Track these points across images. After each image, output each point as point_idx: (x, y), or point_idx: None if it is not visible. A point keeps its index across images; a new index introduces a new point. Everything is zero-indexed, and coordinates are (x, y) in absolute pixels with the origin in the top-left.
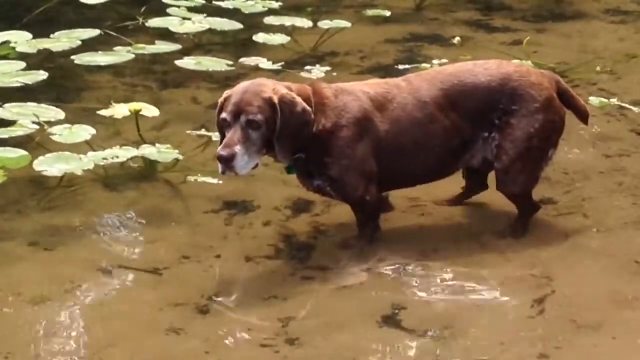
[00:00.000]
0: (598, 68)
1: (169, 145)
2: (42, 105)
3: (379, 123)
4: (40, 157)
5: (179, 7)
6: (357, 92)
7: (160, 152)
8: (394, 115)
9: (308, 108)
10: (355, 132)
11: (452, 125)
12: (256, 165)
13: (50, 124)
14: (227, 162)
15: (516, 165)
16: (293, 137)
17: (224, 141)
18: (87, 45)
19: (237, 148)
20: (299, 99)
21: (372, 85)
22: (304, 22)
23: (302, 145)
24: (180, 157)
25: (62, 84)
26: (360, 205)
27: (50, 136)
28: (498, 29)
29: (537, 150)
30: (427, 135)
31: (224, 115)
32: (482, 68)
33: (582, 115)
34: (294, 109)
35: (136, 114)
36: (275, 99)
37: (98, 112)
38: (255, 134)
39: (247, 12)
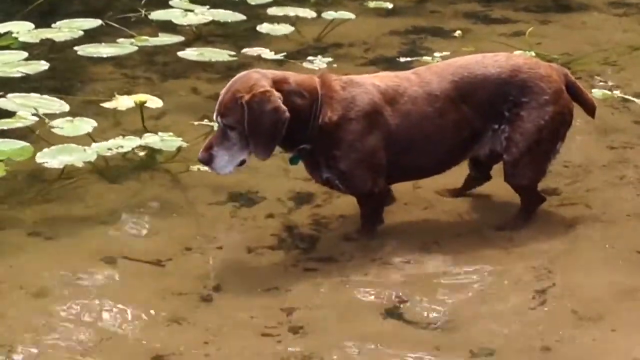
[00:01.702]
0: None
1: (171, 134)
2: (45, 96)
3: (388, 117)
4: (45, 150)
5: None
6: (368, 85)
7: (164, 141)
8: (404, 109)
9: (282, 107)
10: (364, 126)
11: (463, 118)
12: (243, 162)
13: (54, 116)
14: (206, 164)
15: (525, 157)
16: (268, 135)
17: (205, 143)
18: (90, 37)
19: (215, 150)
20: (273, 97)
21: (383, 79)
22: (307, 13)
23: (302, 137)
24: (185, 144)
25: (64, 74)
26: (368, 198)
27: (52, 129)
28: (500, 20)
29: (547, 143)
30: (437, 129)
31: (214, 114)
32: (491, 60)
33: (589, 109)
34: (264, 107)
35: (141, 105)
36: (245, 99)
37: (101, 104)
38: (233, 134)
39: (253, 3)
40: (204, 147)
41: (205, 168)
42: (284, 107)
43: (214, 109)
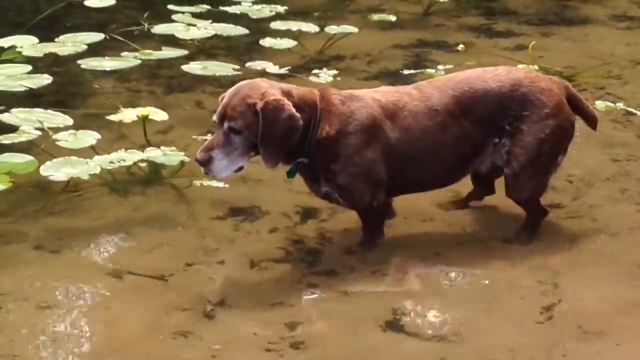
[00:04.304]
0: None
1: (174, 148)
2: (49, 110)
3: (388, 131)
4: (47, 163)
5: (183, 13)
6: (368, 99)
7: (166, 155)
8: (405, 123)
9: (296, 114)
10: (362, 140)
11: (463, 132)
12: (240, 168)
13: (57, 130)
14: (204, 165)
15: (526, 171)
16: (279, 142)
17: (204, 144)
18: (94, 51)
19: (215, 152)
20: (287, 105)
21: (384, 93)
22: (310, 27)
23: (300, 151)
24: (186, 159)
25: (68, 88)
26: (367, 211)
27: (56, 142)
28: (504, 34)
29: (547, 156)
30: (438, 143)
31: (213, 117)
32: (492, 74)
33: (591, 121)
34: (280, 115)
35: (144, 119)
36: (259, 105)
37: (107, 117)
38: (237, 138)
39: (254, 17)
40: (204, 148)
41: (214, 183)
42: (298, 115)
43: (218, 113)
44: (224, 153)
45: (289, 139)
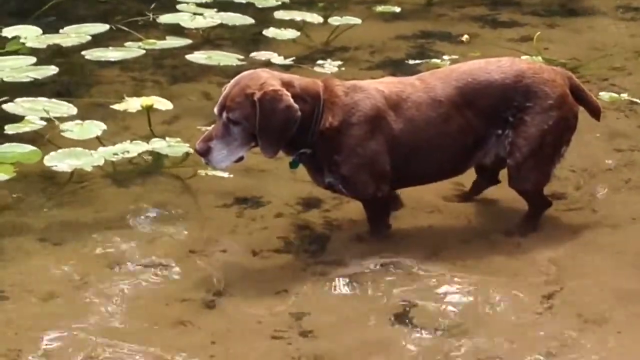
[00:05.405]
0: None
1: (179, 139)
2: (53, 100)
3: (392, 122)
4: (52, 153)
5: (188, 3)
6: (371, 90)
7: (171, 146)
8: (408, 115)
9: (294, 105)
10: (366, 130)
11: (467, 124)
12: (240, 159)
13: (62, 119)
14: (203, 155)
15: (529, 162)
16: (277, 133)
17: (204, 134)
18: (98, 41)
19: (214, 142)
20: (285, 96)
21: (387, 84)
22: (314, 18)
23: (303, 141)
24: (191, 150)
25: (72, 79)
26: (371, 202)
27: (62, 132)
28: (508, 24)
29: (550, 148)
30: (441, 134)
31: (215, 108)
32: (495, 66)
33: (595, 112)
34: (277, 105)
35: (148, 109)
36: (257, 96)
37: (112, 106)
38: (236, 129)
39: (260, 6)
40: (203, 138)
41: (218, 174)
42: (296, 106)
43: (218, 104)
44: (223, 143)
45: (287, 130)
